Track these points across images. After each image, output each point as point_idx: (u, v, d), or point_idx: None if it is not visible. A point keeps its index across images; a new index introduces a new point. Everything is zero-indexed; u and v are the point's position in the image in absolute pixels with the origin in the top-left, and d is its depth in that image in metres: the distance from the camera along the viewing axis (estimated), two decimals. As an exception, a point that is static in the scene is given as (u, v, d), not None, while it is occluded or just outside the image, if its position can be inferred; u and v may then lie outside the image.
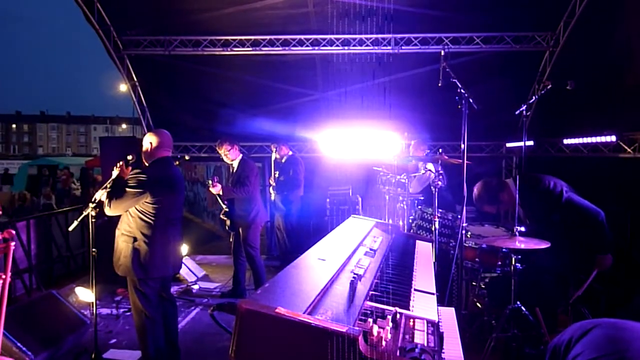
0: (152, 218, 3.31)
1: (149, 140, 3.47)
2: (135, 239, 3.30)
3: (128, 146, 5.47)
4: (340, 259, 1.88)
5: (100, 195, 3.36)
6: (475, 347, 3.46)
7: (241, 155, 5.24)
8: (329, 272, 1.68)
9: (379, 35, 6.79)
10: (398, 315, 1.52)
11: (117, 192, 3.28)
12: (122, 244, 3.34)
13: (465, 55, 6.91)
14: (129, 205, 3.29)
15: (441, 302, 2.45)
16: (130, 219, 3.33)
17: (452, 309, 2.09)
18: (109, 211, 3.29)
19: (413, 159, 5.17)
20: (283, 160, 6.67)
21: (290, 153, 6.74)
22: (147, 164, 3.48)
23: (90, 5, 6.45)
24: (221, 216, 5.24)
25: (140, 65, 7.39)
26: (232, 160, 5.18)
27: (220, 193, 4.99)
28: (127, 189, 3.27)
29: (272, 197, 6.82)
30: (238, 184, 5.07)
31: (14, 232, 3.07)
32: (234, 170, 5.22)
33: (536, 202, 3.64)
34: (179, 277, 5.79)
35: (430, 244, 3.22)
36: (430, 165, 5.16)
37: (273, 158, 6.78)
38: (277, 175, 6.66)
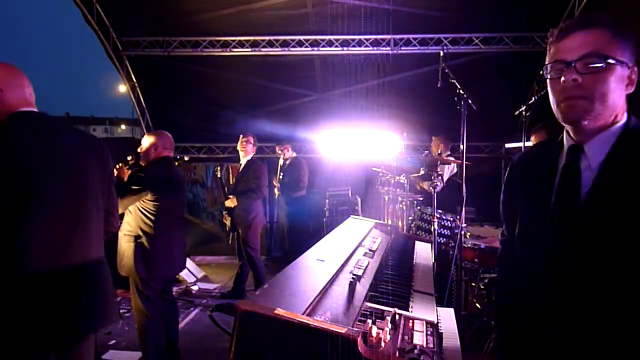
0: (154, 216, 3.30)
1: (149, 141, 3.47)
2: (137, 237, 3.30)
3: (127, 147, 5.48)
4: (339, 260, 1.88)
5: None
6: (474, 348, 3.46)
7: (252, 155, 5.23)
8: (328, 273, 1.68)
9: (378, 36, 6.80)
10: (397, 316, 1.52)
11: (117, 191, 3.29)
12: (125, 244, 3.33)
13: (465, 56, 6.92)
14: (129, 203, 3.29)
15: (440, 302, 2.45)
16: (131, 219, 3.33)
17: (452, 310, 2.09)
18: None
19: (411, 159, 5.17)
20: (287, 162, 6.67)
21: (294, 154, 6.75)
22: (145, 164, 3.47)
23: (90, 6, 6.45)
24: (224, 220, 5.24)
25: (139, 66, 7.39)
26: (244, 155, 5.17)
27: (236, 203, 5.01)
28: (128, 187, 3.28)
29: (276, 197, 6.84)
30: (244, 184, 5.06)
31: None
32: (240, 169, 5.21)
33: None
34: (178, 277, 5.79)
35: (430, 244, 3.21)
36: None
37: (281, 161, 6.77)
38: (281, 177, 6.66)
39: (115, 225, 2.42)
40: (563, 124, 1.22)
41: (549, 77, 1.20)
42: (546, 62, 1.22)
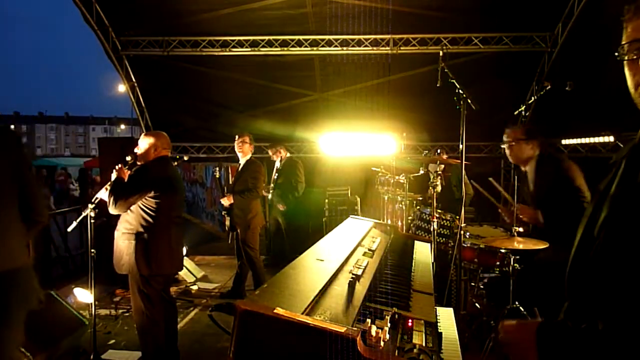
0: (154, 214, 3.31)
1: (149, 142, 3.46)
2: (137, 235, 3.30)
3: (126, 147, 5.47)
4: (339, 260, 1.88)
5: (102, 195, 3.37)
6: (474, 348, 3.46)
7: (250, 155, 5.22)
8: (328, 272, 1.68)
9: (378, 36, 6.80)
10: (396, 316, 1.52)
11: (118, 191, 3.29)
12: (124, 242, 3.33)
13: (464, 56, 6.92)
14: (132, 203, 3.29)
15: (440, 302, 2.45)
16: (131, 218, 3.33)
17: (451, 310, 2.09)
18: (113, 210, 3.30)
19: (412, 160, 5.17)
20: (282, 163, 6.65)
21: (288, 155, 6.71)
22: (144, 164, 3.47)
23: (89, 5, 6.45)
24: (224, 221, 5.24)
25: (139, 66, 7.39)
26: (242, 156, 5.16)
27: (232, 201, 5.02)
28: (129, 187, 3.28)
29: (270, 198, 6.79)
30: (242, 184, 5.06)
31: None
32: (239, 169, 5.20)
33: (552, 183, 3.45)
34: (177, 277, 5.79)
35: (429, 244, 3.21)
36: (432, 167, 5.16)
37: (277, 163, 6.73)
38: (275, 178, 6.63)
39: (44, 213, 2.32)
40: None
41: (626, 58, 1.05)
42: (622, 42, 1.06)
